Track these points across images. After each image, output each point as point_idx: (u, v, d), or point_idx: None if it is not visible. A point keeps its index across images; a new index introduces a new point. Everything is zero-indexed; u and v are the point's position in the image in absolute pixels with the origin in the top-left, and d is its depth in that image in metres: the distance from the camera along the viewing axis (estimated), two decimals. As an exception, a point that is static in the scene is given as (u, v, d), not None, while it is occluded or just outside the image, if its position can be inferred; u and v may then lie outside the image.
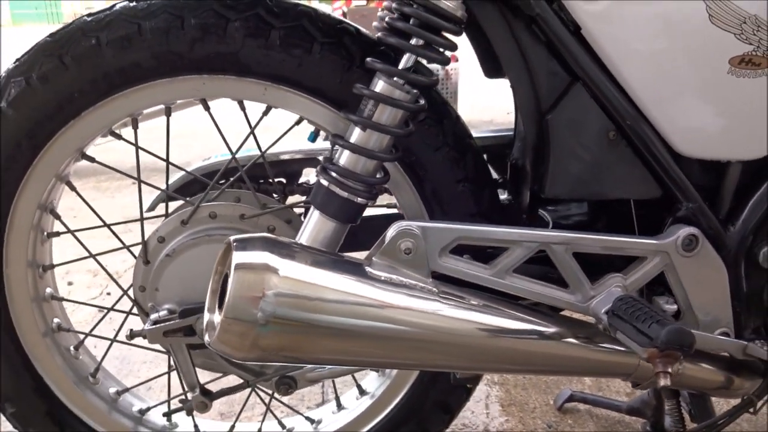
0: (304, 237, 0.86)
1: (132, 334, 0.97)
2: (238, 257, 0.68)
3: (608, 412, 1.51)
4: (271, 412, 1.17)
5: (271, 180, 1.12)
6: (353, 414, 1.14)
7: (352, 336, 0.72)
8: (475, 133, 1.16)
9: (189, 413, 1.02)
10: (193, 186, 1.11)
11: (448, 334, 0.78)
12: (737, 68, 0.82)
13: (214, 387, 1.06)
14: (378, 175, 0.87)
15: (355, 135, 0.84)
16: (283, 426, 1.18)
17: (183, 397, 1.00)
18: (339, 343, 0.72)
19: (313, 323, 0.69)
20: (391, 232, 0.80)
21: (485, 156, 1.07)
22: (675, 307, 0.90)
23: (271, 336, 0.68)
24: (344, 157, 0.85)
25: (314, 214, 0.86)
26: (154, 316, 0.96)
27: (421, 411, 1.10)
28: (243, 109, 0.99)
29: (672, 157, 0.88)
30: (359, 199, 0.84)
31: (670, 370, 0.75)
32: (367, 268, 0.77)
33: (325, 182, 0.84)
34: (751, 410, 1.00)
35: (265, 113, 0.99)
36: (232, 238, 0.72)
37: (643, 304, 0.80)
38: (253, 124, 0.99)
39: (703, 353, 0.98)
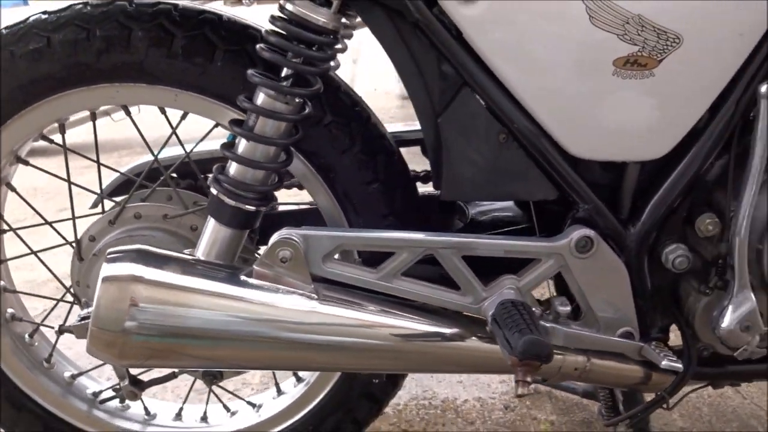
0: (202, 244, 0.89)
1: (61, 330, 1.03)
2: (106, 270, 0.73)
3: (566, 394, 1.52)
4: (216, 396, 1.24)
5: (198, 179, 1.15)
6: (291, 399, 1.19)
7: (219, 341, 0.76)
8: (405, 126, 1.16)
9: (122, 401, 1.09)
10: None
11: (320, 335, 0.81)
12: (623, 69, 0.80)
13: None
14: (271, 181, 0.90)
15: (242, 145, 0.87)
16: (228, 409, 1.24)
17: (117, 385, 1.07)
18: (207, 349, 0.76)
19: (179, 331, 0.74)
20: (271, 240, 0.83)
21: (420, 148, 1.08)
22: (569, 308, 0.90)
23: (138, 345, 0.73)
24: (233, 167, 0.87)
25: (210, 222, 0.89)
26: (83, 312, 1.02)
27: (348, 400, 1.14)
28: (164, 112, 1.02)
29: (566, 159, 0.87)
30: (248, 207, 0.86)
31: (528, 379, 0.76)
32: (242, 276, 0.81)
33: (215, 191, 0.87)
34: (665, 406, 0.99)
35: (183, 117, 1.03)
36: (109, 250, 0.77)
37: (518, 311, 0.80)
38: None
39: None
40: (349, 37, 0.89)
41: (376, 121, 1.03)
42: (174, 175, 1.10)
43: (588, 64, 0.81)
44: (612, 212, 0.90)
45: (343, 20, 0.86)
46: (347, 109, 0.98)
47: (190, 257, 0.84)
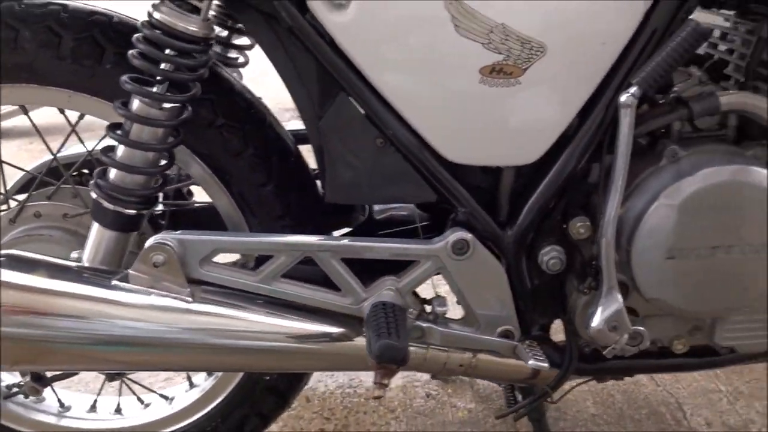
0: (88, 247, 0.90)
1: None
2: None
3: (487, 383, 1.56)
4: (130, 389, 1.26)
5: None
6: (201, 392, 1.21)
7: (88, 345, 0.77)
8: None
9: (26, 396, 1.11)
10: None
11: (194, 337, 0.83)
12: (489, 77, 0.81)
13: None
14: (154, 184, 0.91)
15: (120, 150, 0.87)
16: (141, 401, 1.26)
17: (20, 382, 1.09)
18: (76, 352, 0.78)
19: (46, 336, 0.75)
20: (146, 244, 0.85)
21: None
22: (446, 308, 0.92)
23: (9, 348, 0.74)
24: (113, 171, 0.88)
25: (94, 225, 0.90)
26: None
27: (254, 394, 1.16)
28: (62, 112, 1.02)
29: (442, 163, 0.88)
30: (128, 210, 0.88)
31: (386, 381, 0.78)
32: (114, 281, 0.82)
33: (94, 195, 0.88)
34: (549, 400, 1.03)
35: (81, 117, 1.03)
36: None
37: (385, 314, 0.83)
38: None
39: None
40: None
41: (273, 122, 1.03)
42: (86, 171, 1.11)
43: (455, 72, 0.82)
44: (491, 215, 0.92)
45: (229, 24, 0.86)
46: (240, 111, 0.99)
47: (63, 262, 0.86)
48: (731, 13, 0.96)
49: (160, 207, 1.15)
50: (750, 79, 0.89)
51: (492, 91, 0.82)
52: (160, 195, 0.96)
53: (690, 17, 0.80)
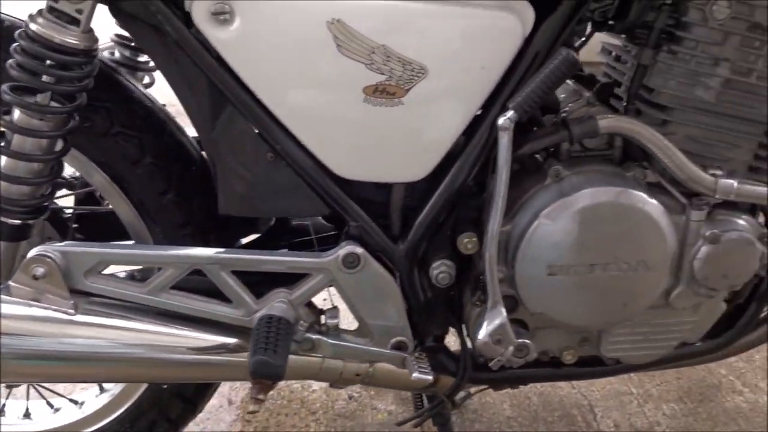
0: (-25, 255, 0.89)
1: None
2: None
3: (409, 385, 1.59)
4: (39, 393, 1.25)
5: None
6: (110, 397, 1.20)
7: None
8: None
9: None
10: None
11: (75, 348, 0.83)
12: (372, 97, 0.83)
13: None
14: (42, 193, 0.90)
15: (3, 160, 0.87)
16: (51, 406, 1.26)
17: None
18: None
19: None
20: (28, 255, 0.84)
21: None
22: (337, 320, 0.94)
23: None
24: (-5, 180, 0.87)
25: (-21, 233, 0.89)
26: None
27: (161, 399, 1.16)
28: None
29: (333, 178, 0.90)
30: (13, 220, 0.87)
31: (261, 397, 0.80)
32: (-8, 293, 0.82)
33: (-25, 204, 0.87)
34: (455, 405, 1.06)
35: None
36: None
37: (268, 328, 0.84)
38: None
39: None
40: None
41: (174, 129, 1.03)
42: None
43: (340, 90, 0.83)
44: (385, 228, 0.94)
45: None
46: (138, 119, 0.98)
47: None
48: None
49: (69, 212, 1.15)
50: (631, 103, 0.92)
51: (376, 110, 0.83)
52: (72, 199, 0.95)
53: (562, 46, 0.82)
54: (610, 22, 0.94)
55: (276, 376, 0.79)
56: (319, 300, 1.01)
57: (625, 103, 0.93)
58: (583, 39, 1.07)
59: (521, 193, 0.94)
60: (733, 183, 0.89)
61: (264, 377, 0.78)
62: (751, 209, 0.99)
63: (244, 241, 1.12)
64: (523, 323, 0.99)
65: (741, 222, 0.92)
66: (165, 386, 1.07)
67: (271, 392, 1.58)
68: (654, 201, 0.89)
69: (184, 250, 0.89)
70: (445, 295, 0.98)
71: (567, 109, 0.98)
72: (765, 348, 1.70)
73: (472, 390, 1.13)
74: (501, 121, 0.82)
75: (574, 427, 1.46)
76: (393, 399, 1.55)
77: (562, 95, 1.03)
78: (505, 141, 0.82)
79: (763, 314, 1.10)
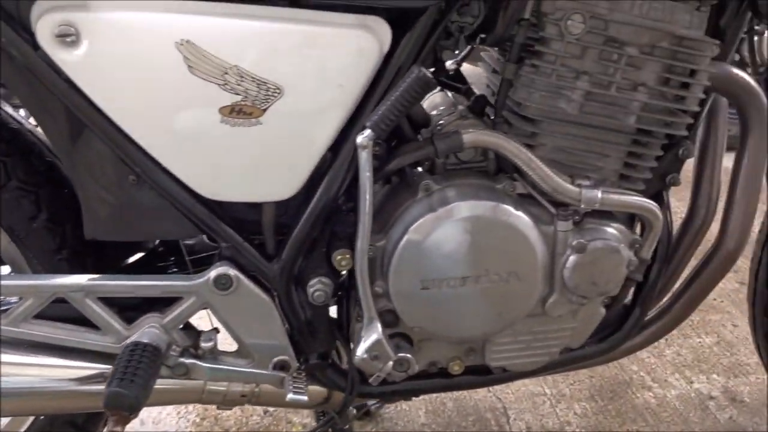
0: None
1: None
2: None
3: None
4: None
5: None
6: (2, 425, 1.18)
7: None
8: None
9: None
10: None
11: None
12: (229, 117, 0.81)
13: None
14: None
15: None
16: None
17: None
18: None
19: None
20: None
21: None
22: (212, 343, 0.93)
23: None
24: None
25: None
26: None
27: (53, 427, 1.13)
28: None
29: (200, 199, 0.88)
30: None
31: (118, 429, 0.78)
32: None
33: None
34: (339, 425, 1.05)
35: None
36: None
37: (130, 356, 0.82)
38: None
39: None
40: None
41: (45, 150, 1.00)
42: None
43: (196, 112, 0.81)
44: (261, 248, 0.93)
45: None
46: (2, 142, 0.95)
47: None
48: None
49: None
50: (500, 116, 0.93)
51: (235, 130, 0.82)
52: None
53: (414, 65, 0.82)
54: (482, 36, 0.95)
55: (129, 407, 0.77)
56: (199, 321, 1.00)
57: (493, 117, 0.93)
58: (462, 52, 1.08)
59: (396, 207, 0.94)
60: (598, 193, 0.91)
61: (117, 409, 0.76)
62: (631, 217, 1.01)
63: (132, 259, 1.10)
64: (407, 337, 1.00)
65: (609, 230, 0.94)
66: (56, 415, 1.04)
67: (182, 408, 1.58)
68: (521, 213, 0.90)
69: (44, 279, 0.86)
70: (325, 313, 0.97)
71: (442, 122, 0.98)
72: (676, 343, 1.75)
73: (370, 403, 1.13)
74: (359, 139, 0.82)
75: (488, 430, 1.47)
76: (309, 412, 1.53)
77: (442, 107, 1.04)
78: (364, 158, 0.82)
79: (648, 317, 1.13)
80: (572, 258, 0.92)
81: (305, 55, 0.80)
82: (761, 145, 1.01)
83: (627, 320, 1.09)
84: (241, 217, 0.92)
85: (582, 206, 0.91)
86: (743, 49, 2.92)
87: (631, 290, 1.07)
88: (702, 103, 1.01)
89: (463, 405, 1.54)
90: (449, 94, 1.06)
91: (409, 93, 0.79)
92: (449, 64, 1.12)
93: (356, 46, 0.81)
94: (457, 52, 0.97)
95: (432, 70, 0.94)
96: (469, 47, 1.05)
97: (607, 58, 0.88)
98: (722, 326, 1.78)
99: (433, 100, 1.07)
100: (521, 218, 0.90)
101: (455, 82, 1.12)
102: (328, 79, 0.82)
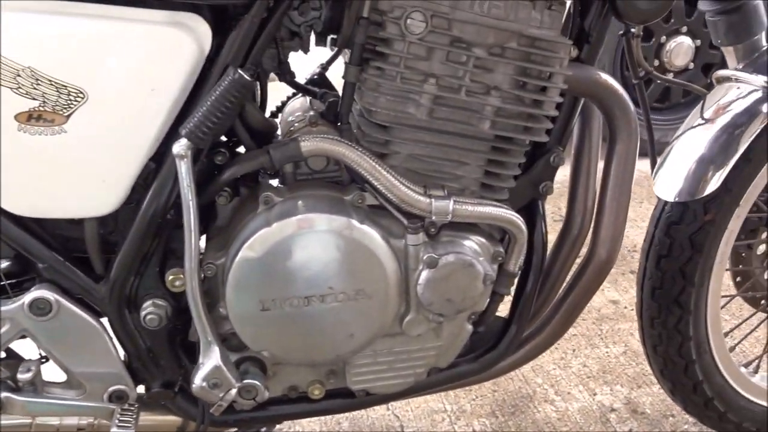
0: None
1: None
2: None
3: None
4: None
5: None
6: None
7: None
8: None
9: None
10: None
11: None
12: (28, 125, 0.73)
13: None
14: None
15: None
16: None
17: None
18: None
19: None
20: None
21: None
22: (30, 374, 0.84)
23: None
24: None
25: None
26: None
27: None
28: None
29: (9, 216, 0.79)
30: None
31: None
32: None
33: None
34: None
35: None
36: None
37: None
38: None
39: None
40: None
41: None
42: None
43: (-12, 119, 0.73)
44: (87, 268, 0.85)
45: None
46: None
47: None
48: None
49: None
50: (345, 123, 0.87)
51: (36, 139, 0.74)
52: None
53: (231, 67, 0.75)
54: (333, 36, 0.89)
55: None
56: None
57: (339, 123, 0.87)
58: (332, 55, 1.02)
59: (238, 222, 0.87)
60: (450, 204, 0.85)
61: None
62: (502, 227, 0.96)
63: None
64: (260, 361, 0.92)
65: (466, 243, 0.89)
66: None
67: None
68: (367, 226, 0.83)
69: None
70: (166, 337, 0.89)
71: (293, 128, 0.92)
72: (583, 354, 1.72)
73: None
74: (175, 149, 0.74)
75: (384, 451, 1.41)
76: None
77: (298, 113, 0.97)
78: (183, 169, 0.75)
79: (528, 331, 1.08)
80: (424, 274, 0.86)
81: (109, 55, 0.73)
82: (629, 151, 0.97)
83: (504, 336, 1.04)
84: (65, 234, 0.84)
85: (433, 218, 0.85)
86: (662, 54, 2.95)
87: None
88: (573, 107, 0.98)
89: (359, 424, 1.47)
90: (308, 99, 0.99)
91: (225, 97, 0.72)
92: (316, 67, 1.07)
93: (169, 46, 0.74)
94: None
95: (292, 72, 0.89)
96: (337, 50, 0.99)
97: (455, 60, 0.82)
98: (630, 335, 1.75)
99: (293, 106, 1.00)
100: (366, 232, 0.83)
101: (323, 86, 1.05)
102: (138, 83, 0.74)
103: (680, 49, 2.64)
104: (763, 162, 1.08)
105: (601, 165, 1.05)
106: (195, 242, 0.78)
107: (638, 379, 1.58)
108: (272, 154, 0.81)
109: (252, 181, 0.91)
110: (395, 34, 0.81)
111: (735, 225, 1.12)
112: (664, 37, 2.69)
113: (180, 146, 0.74)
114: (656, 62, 2.81)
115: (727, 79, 1.10)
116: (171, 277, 0.84)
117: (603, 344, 1.71)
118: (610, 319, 1.80)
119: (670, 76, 2.98)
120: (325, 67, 1.06)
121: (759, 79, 1.04)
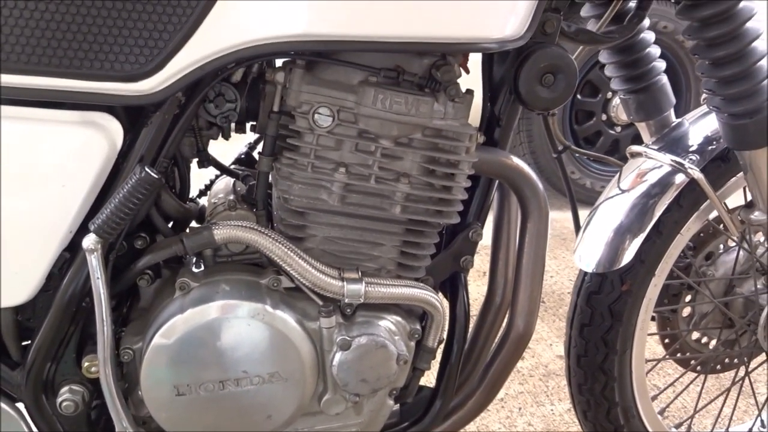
0: None
1: None
2: None
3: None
4: None
5: None
6: None
7: None
8: None
9: None
10: None
11: None
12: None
13: None
14: None
15: None
16: None
17: None
18: None
19: None
20: None
21: None
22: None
23: None
24: None
25: None
26: None
27: None
28: None
29: None
30: None
31: None
32: None
33: None
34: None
35: None
36: None
37: None
38: None
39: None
40: None
41: None
42: None
43: None
44: (2, 355, 0.86)
45: None
46: None
47: None
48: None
49: None
50: (261, 209, 0.90)
51: None
52: None
53: (139, 164, 0.78)
54: (253, 123, 0.93)
55: None
56: None
57: (255, 209, 0.90)
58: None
59: (157, 305, 0.88)
60: (361, 286, 0.88)
61: None
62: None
63: None
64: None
65: (380, 323, 0.91)
66: None
67: None
68: (279, 311, 0.86)
69: None
70: (85, 423, 0.90)
71: (215, 210, 0.95)
72: (528, 412, 1.73)
73: None
74: (85, 243, 0.77)
75: None
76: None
77: (220, 195, 1.00)
78: (93, 262, 0.77)
79: (455, 402, 1.10)
80: (338, 355, 0.88)
81: (22, 154, 0.75)
82: (540, 229, 1.01)
83: (431, 408, 1.06)
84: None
85: (346, 300, 0.88)
86: (609, 108, 3.04)
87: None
88: (490, 185, 1.02)
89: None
90: (232, 181, 1.02)
91: (132, 194, 0.75)
92: (243, 148, 1.10)
93: (80, 144, 0.77)
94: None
95: (198, 160, 0.92)
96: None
97: (364, 150, 0.86)
98: (577, 391, 1.78)
99: (218, 186, 1.03)
100: (278, 316, 0.85)
101: (250, 165, 1.09)
102: (50, 180, 0.77)
103: (626, 104, 2.75)
104: (674, 234, 1.13)
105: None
106: (108, 332, 0.80)
107: (581, 437, 1.60)
108: (185, 243, 0.84)
109: (175, 262, 0.93)
110: (305, 128, 0.84)
111: (653, 293, 1.16)
112: (610, 93, 2.81)
113: (89, 241, 0.76)
114: (603, 116, 2.92)
115: (639, 154, 1.15)
116: (86, 364, 0.85)
117: (549, 401, 1.73)
118: (557, 375, 1.82)
119: (617, 130, 3.10)
120: (252, 146, 1.10)
121: (666, 158, 1.10)
